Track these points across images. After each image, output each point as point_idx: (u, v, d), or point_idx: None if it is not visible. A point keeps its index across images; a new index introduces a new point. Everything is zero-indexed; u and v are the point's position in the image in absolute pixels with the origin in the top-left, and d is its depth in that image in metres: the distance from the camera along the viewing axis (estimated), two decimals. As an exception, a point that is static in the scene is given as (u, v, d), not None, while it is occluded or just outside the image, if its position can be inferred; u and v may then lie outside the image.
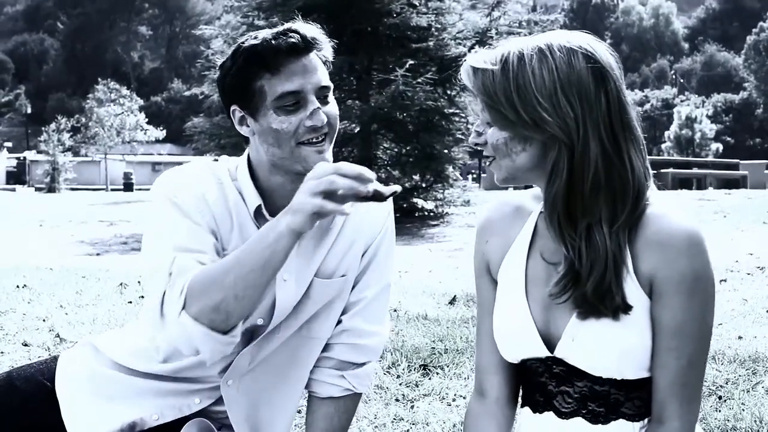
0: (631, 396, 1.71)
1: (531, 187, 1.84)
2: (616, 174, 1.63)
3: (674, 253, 1.63)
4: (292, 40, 1.99)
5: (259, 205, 2.08)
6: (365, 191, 1.72)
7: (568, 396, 1.74)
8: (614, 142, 1.63)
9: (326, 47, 2.07)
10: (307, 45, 2.01)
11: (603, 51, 1.66)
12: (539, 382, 1.77)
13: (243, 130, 2.08)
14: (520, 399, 1.89)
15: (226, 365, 2.16)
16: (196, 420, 2.14)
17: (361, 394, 2.25)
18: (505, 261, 1.82)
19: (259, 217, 2.10)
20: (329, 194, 1.72)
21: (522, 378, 1.85)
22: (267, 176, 2.10)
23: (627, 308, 1.65)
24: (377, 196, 1.73)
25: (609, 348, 1.67)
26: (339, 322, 2.22)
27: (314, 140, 2.03)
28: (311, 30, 2.04)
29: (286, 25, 2.04)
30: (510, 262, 1.80)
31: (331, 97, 2.07)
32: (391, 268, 2.27)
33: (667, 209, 1.67)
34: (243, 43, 2.03)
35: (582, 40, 1.66)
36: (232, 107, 2.07)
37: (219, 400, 2.20)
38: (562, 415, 1.75)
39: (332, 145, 2.08)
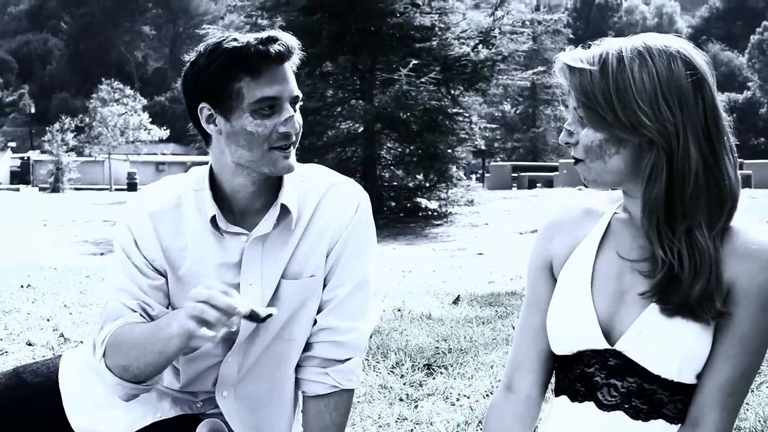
0: (675, 398, 1.72)
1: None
2: (713, 181, 1.65)
3: (759, 266, 1.66)
4: (279, 47, 2.03)
5: (214, 216, 2.12)
6: (234, 326, 1.87)
7: (615, 389, 1.74)
8: (711, 149, 1.64)
9: (298, 58, 2.11)
10: (289, 53, 2.05)
11: (699, 57, 1.67)
12: (586, 372, 1.77)
13: (210, 129, 2.10)
14: (553, 388, 1.89)
15: (215, 377, 2.21)
16: (209, 420, 2.15)
17: (351, 390, 2.25)
18: (571, 257, 1.82)
19: (216, 227, 2.13)
20: (202, 320, 1.83)
21: (561, 368, 1.84)
22: (230, 178, 2.13)
23: (726, 314, 1.66)
24: (254, 317, 1.85)
25: (674, 348, 1.68)
26: (315, 321, 2.23)
27: (284, 146, 2.07)
28: (291, 39, 2.07)
29: (269, 32, 2.07)
30: (577, 257, 1.81)
31: (298, 107, 2.12)
32: (366, 266, 2.25)
33: (754, 223, 1.72)
34: (222, 43, 2.04)
35: (679, 44, 1.67)
36: (201, 105, 2.08)
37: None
38: (603, 407, 1.74)
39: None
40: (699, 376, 1.71)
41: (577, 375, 1.79)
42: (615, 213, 1.82)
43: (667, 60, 1.64)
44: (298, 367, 2.25)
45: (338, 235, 2.20)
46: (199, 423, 2.19)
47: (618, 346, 1.73)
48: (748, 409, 3.49)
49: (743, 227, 1.70)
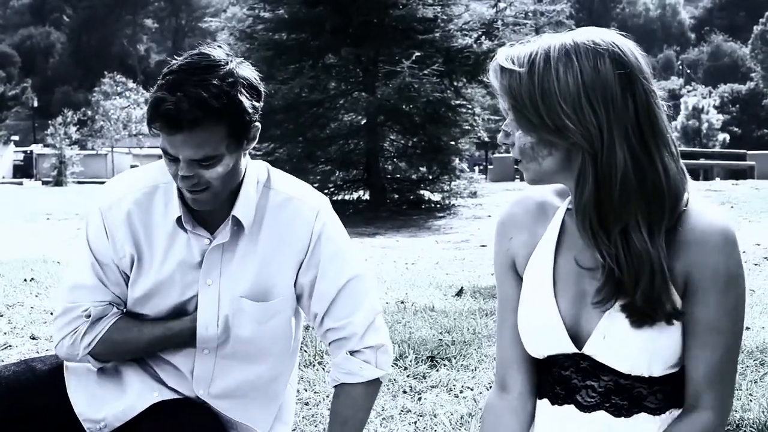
0: (654, 389, 1.72)
1: None
2: (649, 179, 1.60)
3: (709, 251, 1.63)
4: (167, 119, 1.97)
5: (179, 217, 2.15)
6: None
7: (593, 390, 1.74)
8: (644, 147, 1.60)
9: (228, 115, 2.00)
10: (180, 124, 1.96)
11: (631, 52, 1.62)
12: (563, 375, 1.77)
13: None
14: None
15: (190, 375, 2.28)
16: None
17: (353, 384, 2.29)
18: (532, 258, 1.80)
19: (181, 226, 2.17)
20: None
21: (541, 370, 1.84)
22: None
23: (679, 314, 1.64)
24: None
25: (641, 347, 1.67)
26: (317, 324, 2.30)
27: (188, 190, 2.08)
28: (197, 111, 1.95)
29: (170, 100, 1.95)
30: (537, 259, 1.79)
31: (219, 161, 2.04)
32: (348, 266, 2.27)
33: (701, 206, 1.67)
34: (162, 76, 2.03)
35: (610, 40, 1.61)
36: None
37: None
38: (584, 408, 1.74)
39: (218, 195, 2.10)
40: (684, 368, 1.70)
41: (556, 378, 1.79)
42: (568, 208, 1.78)
43: (593, 59, 1.59)
44: None
45: (301, 255, 2.23)
46: (197, 406, 2.26)
47: (586, 350, 1.72)
48: (752, 400, 3.50)
49: (690, 213, 1.66)
